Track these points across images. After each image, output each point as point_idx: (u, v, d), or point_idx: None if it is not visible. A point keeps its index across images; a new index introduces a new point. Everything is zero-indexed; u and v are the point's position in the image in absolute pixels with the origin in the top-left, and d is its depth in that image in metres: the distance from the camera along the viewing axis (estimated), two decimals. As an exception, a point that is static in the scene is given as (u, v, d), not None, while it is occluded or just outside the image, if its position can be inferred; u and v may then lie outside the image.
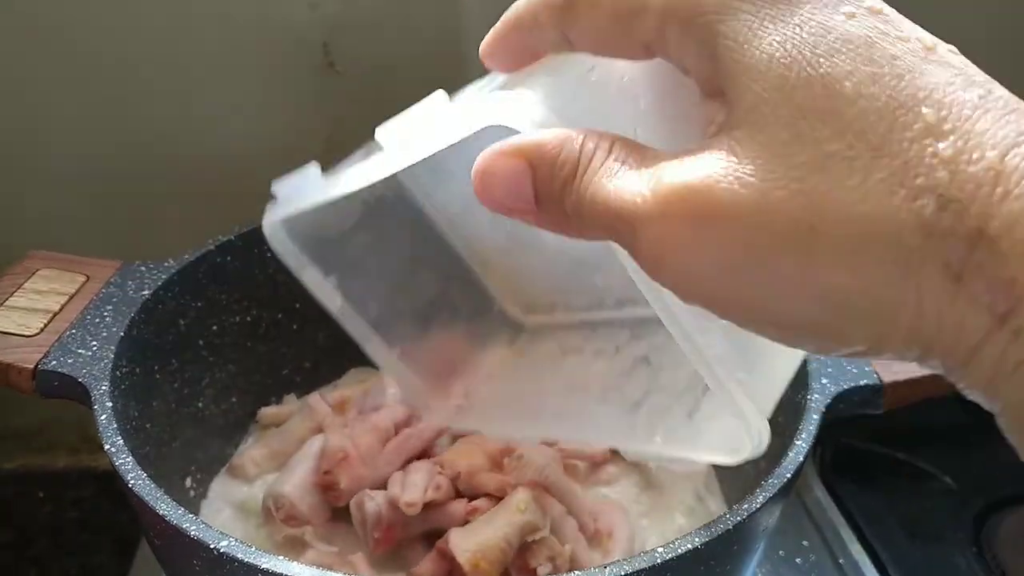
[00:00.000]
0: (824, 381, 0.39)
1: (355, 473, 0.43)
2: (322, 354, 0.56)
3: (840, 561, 0.53)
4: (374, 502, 0.41)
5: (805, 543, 0.54)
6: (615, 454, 0.50)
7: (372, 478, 0.43)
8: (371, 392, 0.51)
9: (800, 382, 0.39)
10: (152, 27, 0.58)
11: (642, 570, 0.29)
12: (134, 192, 0.63)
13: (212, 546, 0.29)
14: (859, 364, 0.40)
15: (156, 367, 0.43)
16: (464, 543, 0.38)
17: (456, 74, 0.69)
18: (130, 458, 0.32)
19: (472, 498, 0.43)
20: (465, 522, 0.41)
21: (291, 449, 0.48)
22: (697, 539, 0.29)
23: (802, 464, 0.34)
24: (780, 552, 0.54)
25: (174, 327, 0.45)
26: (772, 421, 0.41)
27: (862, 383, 0.39)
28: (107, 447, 0.33)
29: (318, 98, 0.64)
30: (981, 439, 0.64)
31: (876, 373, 0.39)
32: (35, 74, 0.59)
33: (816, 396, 0.38)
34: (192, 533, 0.29)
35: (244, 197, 0.65)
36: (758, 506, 0.31)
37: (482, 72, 0.37)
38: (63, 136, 0.61)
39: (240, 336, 0.50)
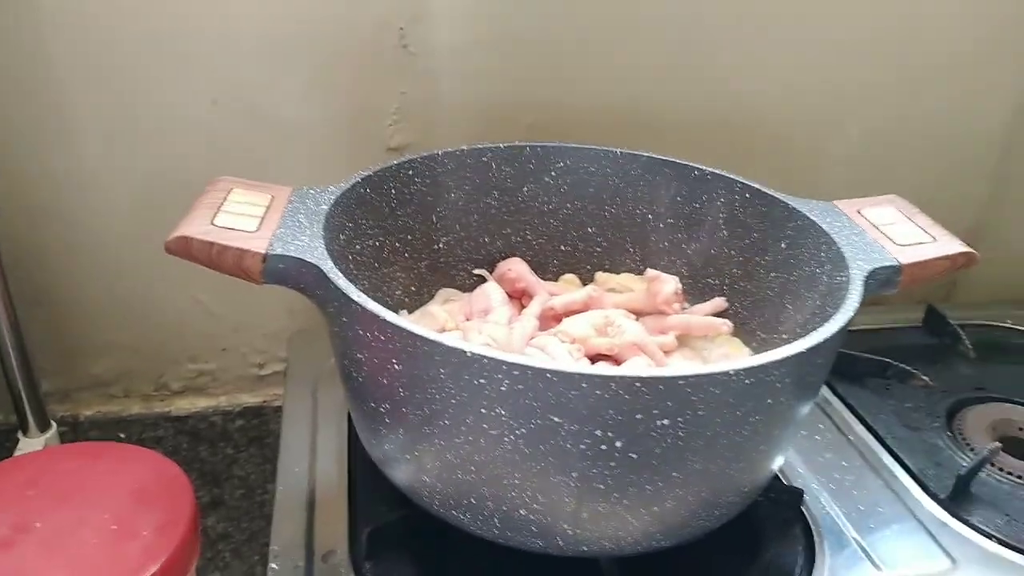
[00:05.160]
0: (859, 261, 0.52)
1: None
2: (423, 280, 0.67)
3: (850, 438, 0.67)
4: None
5: (821, 426, 0.68)
6: (680, 346, 0.63)
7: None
8: (475, 299, 0.62)
9: (839, 265, 0.53)
10: (248, 11, 0.69)
11: (763, 364, 0.41)
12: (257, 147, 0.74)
13: (466, 351, 0.39)
14: (880, 251, 0.53)
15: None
16: None
17: (507, 63, 0.81)
18: (377, 304, 0.43)
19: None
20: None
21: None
22: (804, 343, 0.42)
23: (856, 310, 0.47)
24: (803, 432, 0.67)
25: (337, 241, 0.55)
26: (814, 304, 0.54)
27: (886, 264, 0.52)
28: (357, 299, 0.43)
29: (390, 73, 0.75)
30: (943, 356, 0.79)
31: (895, 257, 0.52)
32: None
33: (856, 272, 0.51)
34: (447, 343, 0.40)
35: (324, 152, 0.76)
36: (838, 327, 0.44)
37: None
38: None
39: (371, 257, 0.60)
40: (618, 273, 0.71)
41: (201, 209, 0.49)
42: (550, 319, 0.63)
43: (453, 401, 0.42)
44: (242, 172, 0.73)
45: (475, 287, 0.67)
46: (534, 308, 0.63)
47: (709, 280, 0.67)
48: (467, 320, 0.62)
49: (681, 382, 0.39)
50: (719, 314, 0.66)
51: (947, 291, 0.99)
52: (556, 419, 0.40)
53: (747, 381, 0.41)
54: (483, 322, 0.59)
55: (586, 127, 0.80)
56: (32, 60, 0.67)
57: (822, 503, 0.60)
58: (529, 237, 0.70)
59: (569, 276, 0.72)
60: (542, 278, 0.71)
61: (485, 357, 0.39)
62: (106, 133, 0.71)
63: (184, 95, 0.71)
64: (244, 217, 0.50)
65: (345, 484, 0.59)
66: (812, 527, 0.58)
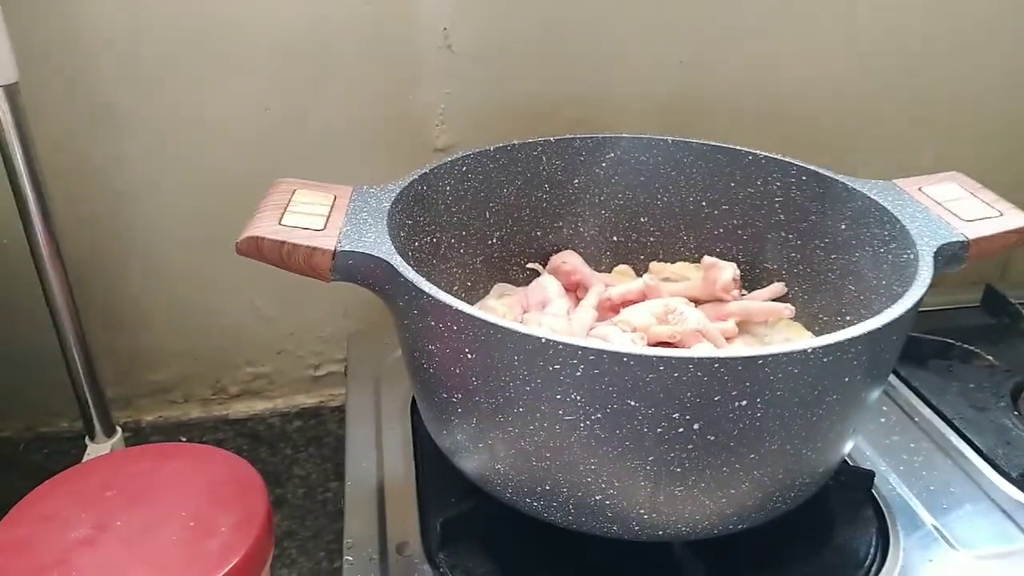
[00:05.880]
0: (926, 238, 0.51)
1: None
2: (477, 275, 0.67)
3: (916, 420, 0.66)
4: None
5: (886, 408, 0.67)
6: (740, 332, 0.62)
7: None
8: (532, 292, 0.63)
9: (905, 243, 0.52)
10: (296, 17, 0.70)
11: (841, 342, 0.41)
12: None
13: (541, 337, 0.40)
14: (947, 227, 0.52)
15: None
16: None
17: (550, 58, 0.82)
18: (449, 295, 0.43)
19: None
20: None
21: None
22: (881, 319, 0.42)
23: (928, 285, 0.47)
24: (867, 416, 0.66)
25: (397, 238, 0.55)
26: (879, 284, 0.54)
27: (953, 239, 0.51)
28: (429, 291, 0.43)
29: (435, 74, 0.76)
30: (1004, 335, 0.78)
31: (962, 233, 0.52)
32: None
33: (924, 248, 0.50)
34: (522, 331, 0.40)
35: (373, 155, 0.76)
36: (913, 302, 0.43)
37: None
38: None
39: (428, 254, 0.61)
40: (672, 262, 0.71)
41: (267, 210, 0.50)
42: (607, 310, 0.64)
43: (528, 388, 0.42)
44: (294, 177, 0.75)
45: (529, 282, 0.68)
46: (591, 299, 0.63)
47: (766, 265, 0.66)
48: (524, 313, 0.62)
49: (760, 362, 0.39)
50: (779, 299, 0.66)
51: (1001, 270, 0.97)
52: (633, 403, 0.40)
53: (825, 359, 0.41)
54: (542, 314, 0.59)
55: (630, 119, 0.80)
56: (85, 74, 0.69)
57: (892, 485, 0.59)
58: (581, 229, 0.71)
59: (623, 267, 0.72)
60: (596, 270, 0.71)
61: (561, 343, 0.39)
62: (160, 142, 0.72)
63: (236, 103, 0.72)
64: (310, 216, 0.50)
65: (413, 477, 0.59)
66: (883, 509, 0.57)
